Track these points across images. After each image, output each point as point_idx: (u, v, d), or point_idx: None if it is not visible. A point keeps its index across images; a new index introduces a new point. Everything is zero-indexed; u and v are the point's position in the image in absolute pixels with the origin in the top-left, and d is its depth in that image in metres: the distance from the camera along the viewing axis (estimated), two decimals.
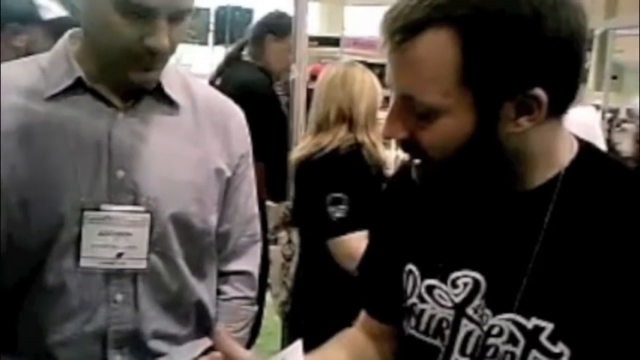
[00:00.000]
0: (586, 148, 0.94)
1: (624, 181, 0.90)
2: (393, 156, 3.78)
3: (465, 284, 0.93)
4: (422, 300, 0.99)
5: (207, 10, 6.69)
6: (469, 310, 0.93)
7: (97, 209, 1.19)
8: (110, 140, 1.20)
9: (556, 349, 0.84)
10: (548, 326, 0.85)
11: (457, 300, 0.94)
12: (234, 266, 1.46)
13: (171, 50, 1.16)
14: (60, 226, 1.17)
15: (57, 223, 1.17)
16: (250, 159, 1.45)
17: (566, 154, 0.91)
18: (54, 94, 1.18)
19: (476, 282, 0.92)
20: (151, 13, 1.10)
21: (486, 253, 0.92)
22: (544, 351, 0.85)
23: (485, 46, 0.79)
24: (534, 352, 0.86)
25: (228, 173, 1.35)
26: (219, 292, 1.44)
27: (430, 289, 0.98)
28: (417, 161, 0.91)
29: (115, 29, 1.11)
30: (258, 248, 1.50)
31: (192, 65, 5.28)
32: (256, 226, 1.49)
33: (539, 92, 0.81)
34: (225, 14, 6.65)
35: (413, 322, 1.01)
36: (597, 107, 9.70)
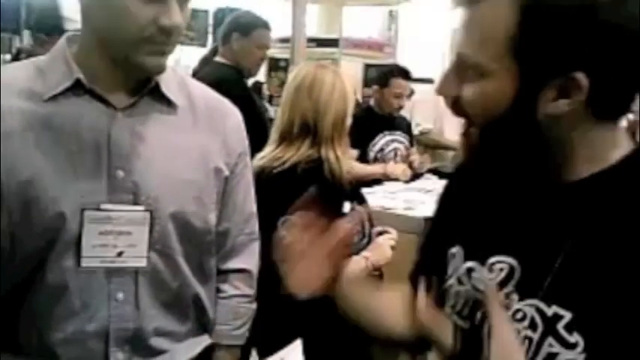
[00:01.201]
0: (636, 151, 0.93)
1: None
2: (400, 169, 3.74)
3: (501, 269, 0.95)
4: (460, 282, 1.01)
5: (206, 11, 6.69)
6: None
7: (98, 209, 1.20)
8: (109, 140, 1.22)
9: (571, 339, 0.85)
10: (567, 315, 0.86)
11: (491, 284, 0.95)
12: (233, 264, 1.47)
13: (180, 32, 1.19)
14: (60, 226, 1.19)
15: (57, 222, 1.18)
16: (248, 158, 1.46)
17: (615, 151, 0.91)
18: (53, 96, 1.20)
19: (511, 268, 0.94)
20: None
21: (523, 239, 0.94)
22: (560, 339, 0.86)
23: (540, 23, 0.82)
24: (550, 340, 0.87)
25: (227, 172, 1.37)
26: (218, 291, 1.46)
27: (469, 271, 1.00)
28: (462, 134, 0.95)
29: (130, 12, 1.13)
30: (256, 246, 1.52)
31: (191, 66, 5.28)
32: (254, 225, 1.51)
33: (581, 77, 0.83)
34: (223, 16, 6.64)
35: (450, 302, 1.03)
36: None
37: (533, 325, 0.89)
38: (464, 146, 0.96)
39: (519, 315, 0.91)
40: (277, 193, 1.86)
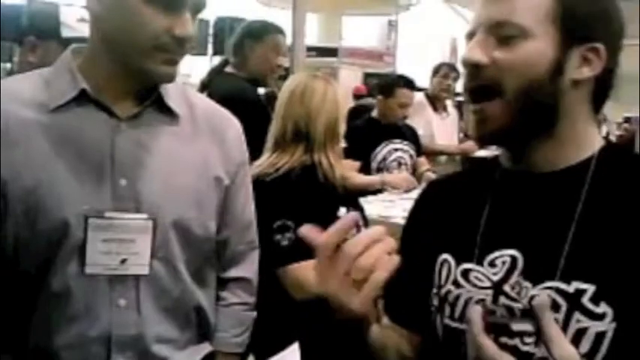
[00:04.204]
0: (609, 141, 1.06)
1: None
2: (399, 179, 3.69)
3: (503, 262, 0.98)
4: (457, 285, 1.02)
5: (207, 21, 6.73)
6: (506, 287, 0.97)
7: (101, 216, 1.22)
8: (113, 150, 1.24)
9: (599, 310, 0.87)
10: (590, 288, 0.89)
11: (495, 278, 0.98)
12: (233, 273, 1.49)
13: (190, 42, 1.23)
14: (65, 233, 1.20)
15: (62, 230, 1.20)
16: (247, 167, 1.49)
17: (595, 143, 1.01)
18: (59, 106, 1.22)
19: (513, 259, 0.97)
20: (179, 3, 1.18)
21: (522, 230, 0.98)
22: (587, 312, 0.88)
23: None
24: (577, 315, 0.89)
25: (227, 181, 1.39)
26: (218, 298, 1.47)
27: (466, 273, 1.02)
28: (479, 107, 0.99)
29: (146, 21, 1.17)
30: (256, 255, 1.53)
31: (192, 75, 5.31)
32: (254, 234, 1.53)
33: (602, 48, 0.96)
34: (224, 25, 6.69)
35: (447, 311, 1.04)
36: None
37: (555, 307, 0.90)
38: (479, 122, 1.00)
39: None
40: (272, 199, 1.90)
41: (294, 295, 1.91)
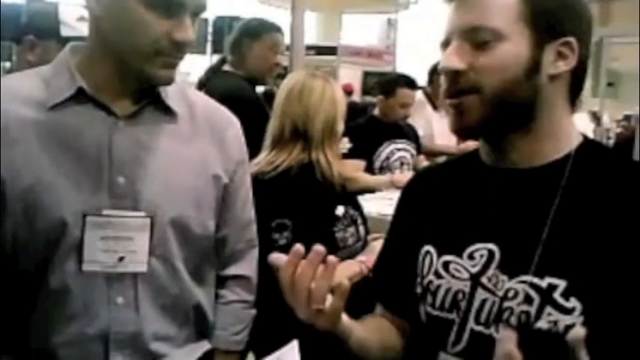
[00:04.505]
0: (586, 138, 1.08)
1: (625, 161, 1.05)
2: (407, 178, 3.69)
3: (481, 255, 1.02)
4: (438, 276, 1.06)
5: (206, 20, 6.74)
6: (484, 279, 1.00)
7: (99, 214, 1.22)
8: (111, 148, 1.24)
9: (569, 305, 0.92)
10: (562, 283, 0.93)
11: (473, 271, 1.02)
12: (232, 271, 1.49)
13: (190, 46, 1.22)
14: (63, 231, 1.20)
15: (59, 228, 1.20)
16: (246, 166, 1.49)
17: (574, 139, 1.04)
18: (56, 104, 1.22)
19: (490, 252, 1.01)
20: (180, 8, 1.18)
21: (500, 225, 1.02)
22: (557, 306, 0.92)
23: None
24: (548, 309, 0.93)
25: (226, 179, 1.39)
26: (217, 296, 1.47)
27: (446, 264, 1.06)
28: (456, 101, 1.01)
29: (146, 26, 1.17)
30: (255, 253, 1.53)
31: (191, 74, 5.30)
32: (253, 232, 1.53)
33: (574, 41, 0.99)
34: (223, 24, 6.70)
35: (429, 299, 1.08)
36: (594, 114, 9.79)
37: (528, 300, 0.95)
38: (456, 115, 1.02)
39: (511, 293, 0.97)
40: (270, 198, 1.89)
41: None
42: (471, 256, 1.03)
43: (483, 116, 1.00)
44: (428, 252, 1.10)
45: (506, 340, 0.80)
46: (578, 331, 0.80)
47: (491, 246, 1.01)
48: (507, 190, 1.04)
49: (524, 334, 0.86)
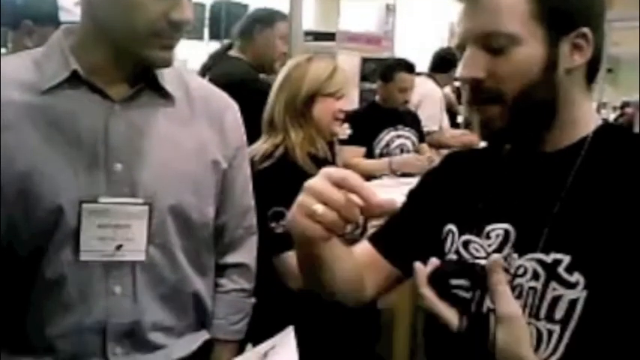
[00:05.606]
0: (606, 122, 1.08)
1: None
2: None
3: (497, 235, 1.04)
4: (458, 255, 1.09)
5: (203, 5, 6.68)
6: None
7: (96, 201, 1.20)
8: (107, 133, 1.21)
9: (572, 279, 0.93)
10: (565, 258, 0.95)
11: (490, 250, 1.04)
12: (231, 259, 1.47)
13: (188, 27, 1.19)
14: (58, 219, 1.18)
15: (55, 215, 1.18)
16: (245, 152, 1.46)
17: (591, 123, 1.05)
18: (50, 87, 1.18)
19: (506, 232, 1.03)
20: None
21: (516, 205, 1.04)
22: (561, 281, 0.94)
23: None
24: (553, 284, 0.95)
25: (224, 165, 1.36)
26: (216, 285, 1.45)
27: (466, 243, 1.08)
28: (481, 107, 1.02)
29: (142, 6, 1.13)
30: (254, 240, 1.51)
31: (189, 60, 5.26)
32: (252, 219, 1.50)
33: (588, 31, 0.98)
34: (220, 9, 6.64)
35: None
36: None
37: (535, 276, 0.97)
38: (482, 124, 1.03)
39: (521, 270, 0.99)
40: (265, 186, 1.83)
41: (288, 283, 1.89)
42: (488, 236, 1.05)
43: (508, 123, 1.01)
44: (450, 230, 1.12)
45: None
46: (498, 257, 0.95)
47: (507, 226, 1.03)
48: (525, 172, 1.06)
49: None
